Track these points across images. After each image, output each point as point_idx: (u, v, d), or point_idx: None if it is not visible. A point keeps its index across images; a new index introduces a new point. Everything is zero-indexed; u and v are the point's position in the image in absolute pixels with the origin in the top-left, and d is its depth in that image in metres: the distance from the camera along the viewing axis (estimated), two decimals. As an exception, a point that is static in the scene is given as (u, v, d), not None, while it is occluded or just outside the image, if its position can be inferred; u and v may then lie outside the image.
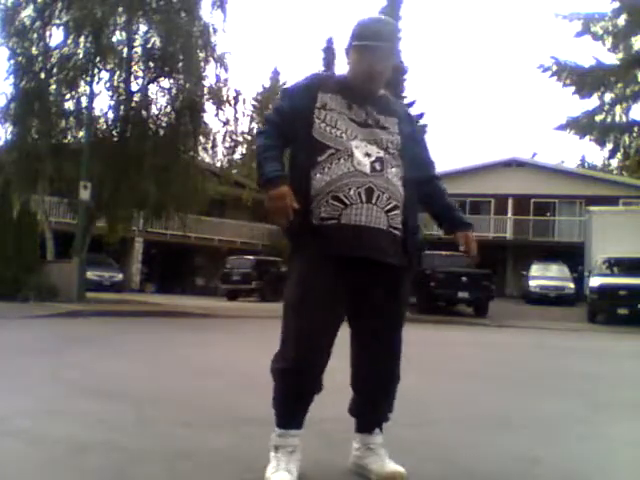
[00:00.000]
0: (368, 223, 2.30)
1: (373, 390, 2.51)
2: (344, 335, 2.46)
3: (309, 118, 2.37)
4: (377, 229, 2.32)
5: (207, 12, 16.96)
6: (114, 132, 16.44)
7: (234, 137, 16.63)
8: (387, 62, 2.43)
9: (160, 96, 16.49)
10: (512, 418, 4.03)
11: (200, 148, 16.94)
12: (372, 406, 2.54)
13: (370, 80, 2.43)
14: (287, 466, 2.34)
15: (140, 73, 16.34)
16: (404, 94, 30.31)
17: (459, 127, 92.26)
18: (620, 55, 27.17)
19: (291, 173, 2.41)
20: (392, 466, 2.48)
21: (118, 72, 15.93)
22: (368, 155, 2.35)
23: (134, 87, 16.41)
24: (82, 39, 15.38)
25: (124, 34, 16.06)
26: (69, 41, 15.53)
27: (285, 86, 2.76)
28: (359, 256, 2.31)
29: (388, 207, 2.34)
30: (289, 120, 2.41)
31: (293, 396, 2.39)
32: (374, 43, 2.37)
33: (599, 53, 52.81)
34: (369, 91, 2.46)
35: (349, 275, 2.32)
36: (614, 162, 40.32)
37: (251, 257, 24.83)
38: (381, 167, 2.36)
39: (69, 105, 16.23)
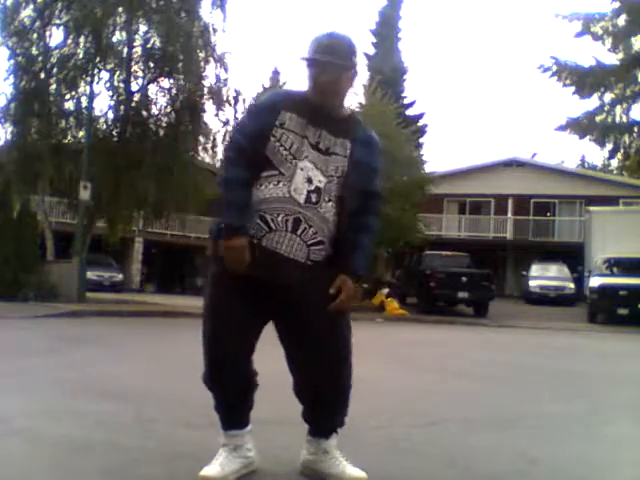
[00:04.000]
0: (286, 253, 2.32)
1: (314, 397, 2.49)
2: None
3: (267, 135, 2.35)
4: (292, 260, 2.33)
5: (207, 12, 16.92)
6: (114, 132, 16.43)
7: (234, 137, 16.76)
8: (331, 76, 2.34)
9: (160, 96, 16.50)
10: (512, 418, 4.03)
11: (200, 148, 16.92)
12: (320, 412, 2.50)
13: (319, 95, 2.37)
14: (222, 461, 2.44)
15: (140, 73, 16.33)
16: (404, 94, 30.31)
17: (459, 127, 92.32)
18: (620, 55, 27.17)
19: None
20: (353, 470, 2.45)
21: (118, 72, 15.91)
22: (309, 181, 2.34)
23: (134, 87, 16.41)
24: (82, 39, 15.37)
25: (124, 34, 16.04)
26: (69, 41, 15.53)
27: (251, 103, 2.72)
28: (265, 280, 2.33)
29: (312, 241, 2.34)
30: (253, 138, 2.38)
31: (222, 399, 2.49)
32: (315, 56, 2.34)
33: (599, 53, 52.74)
34: (324, 109, 2.40)
35: (262, 291, 2.35)
36: (614, 162, 40.29)
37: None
38: (317, 199, 2.34)
39: (69, 105, 16.23)
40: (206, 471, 2.42)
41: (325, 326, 2.39)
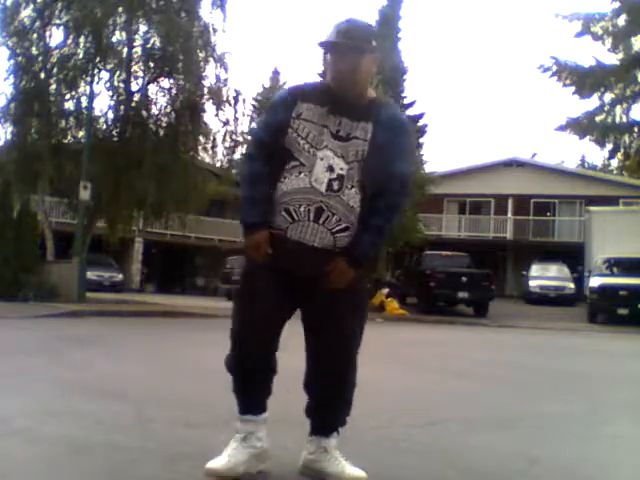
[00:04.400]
0: (310, 242, 2.34)
1: (320, 392, 2.49)
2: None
3: (286, 128, 2.38)
4: (318, 248, 2.35)
5: (207, 12, 16.93)
6: (114, 132, 16.43)
7: (234, 137, 16.69)
8: (350, 61, 2.34)
9: (160, 96, 16.50)
10: (512, 418, 4.03)
11: (200, 148, 16.92)
12: (327, 409, 2.50)
13: (339, 82, 2.37)
14: (231, 452, 2.44)
15: (140, 73, 16.33)
16: (404, 94, 30.31)
17: (459, 127, 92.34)
18: (620, 55, 27.18)
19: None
20: (353, 470, 2.44)
21: (118, 72, 15.91)
22: (330, 170, 2.34)
23: (134, 87, 16.42)
24: (82, 39, 15.37)
25: (124, 34, 16.04)
26: (69, 41, 15.53)
27: (272, 98, 2.72)
28: (294, 269, 2.36)
29: (337, 228, 2.35)
30: (274, 132, 2.42)
31: (241, 380, 2.46)
32: (335, 40, 2.35)
33: (599, 53, 52.80)
34: (345, 95, 2.40)
35: (292, 281, 2.38)
36: (614, 162, 40.31)
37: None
38: (339, 187, 2.35)
39: (69, 105, 16.23)
40: (213, 463, 2.42)
41: (341, 320, 2.41)
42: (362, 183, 2.37)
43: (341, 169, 2.36)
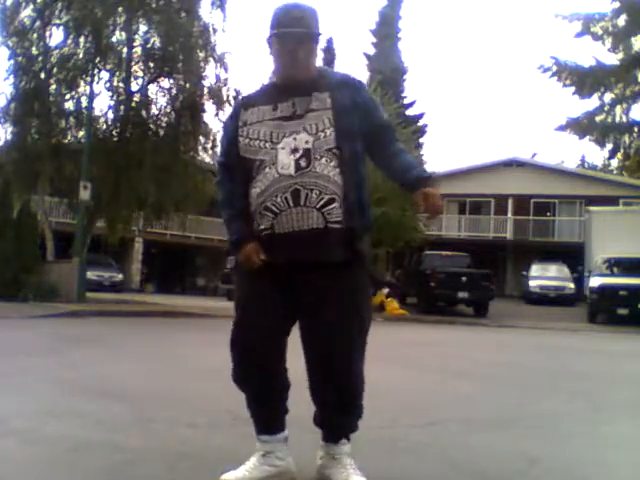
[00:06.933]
0: (300, 227, 2.29)
1: (322, 399, 2.43)
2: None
3: (237, 140, 2.41)
4: (309, 230, 2.29)
5: (207, 12, 16.95)
6: (114, 132, 16.42)
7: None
8: (308, 47, 2.37)
9: (160, 96, 16.50)
10: (512, 418, 4.03)
11: (200, 148, 16.93)
12: (331, 416, 2.43)
13: (294, 69, 2.37)
14: (249, 467, 2.40)
15: (140, 73, 16.33)
16: (404, 94, 30.31)
17: (459, 127, 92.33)
18: (620, 55, 27.21)
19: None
20: (358, 478, 2.39)
21: (118, 72, 15.91)
22: (295, 151, 2.31)
23: (134, 87, 16.42)
24: (82, 39, 15.38)
25: (124, 34, 16.04)
26: (69, 41, 15.53)
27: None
28: (291, 260, 2.33)
29: (321, 203, 2.29)
30: (229, 151, 2.46)
31: (251, 398, 2.42)
32: (291, 30, 2.32)
33: (599, 53, 52.81)
34: (294, 79, 2.39)
35: (289, 285, 2.34)
36: (614, 162, 40.31)
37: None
38: (307, 162, 2.29)
39: (69, 105, 16.22)
40: (228, 475, 2.37)
41: (339, 320, 2.34)
42: (336, 149, 2.32)
43: (306, 142, 2.31)
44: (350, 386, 2.40)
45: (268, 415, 2.44)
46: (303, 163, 2.29)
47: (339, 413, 2.42)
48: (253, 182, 2.36)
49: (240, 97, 2.65)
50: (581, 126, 28.43)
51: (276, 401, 2.44)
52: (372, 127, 2.43)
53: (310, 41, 2.38)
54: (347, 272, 2.35)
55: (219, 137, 16.87)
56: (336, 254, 2.32)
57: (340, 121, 2.34)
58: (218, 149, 16.95)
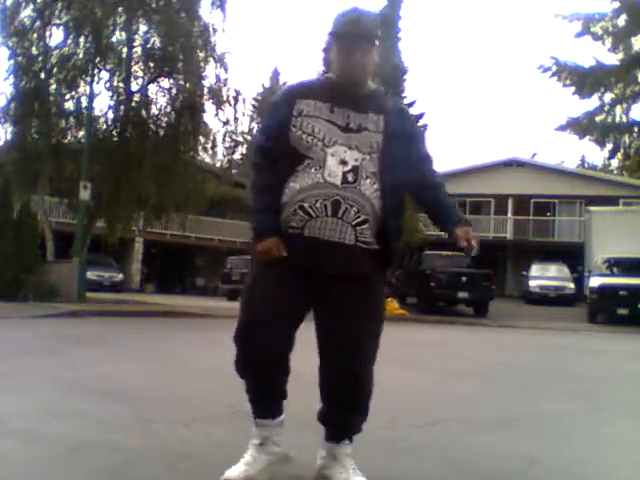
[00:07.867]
0: (331, 237, 2.30)
1: (332, 397, 2.43)
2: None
3: (288, 128, 2.36)
4: (339, 243, 2.30)
5: (207, 12, 16.92)
6: (114, 132, 16.42)
7: (234, 137, 16.70)
8: (367, 56, 2.36)
9: (160, 96, 16.49)
10: (512, 418, 4.03)
11: (200, 148, 16.92)
12: (337, 414, 2.43)
13: (351, 76, 2.38)
14: (248, 460, 2.38)
15: (140, 73, 16.33)
16: (404, 94, 30.30)
17: (459, 127, 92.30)
18: (620, 55, 27.20)
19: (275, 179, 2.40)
20: (358, 479, 2.40)
21: (118, 72, 15.90)
22: (344, 163, 2.31)
23: (134, 87, 16.41)
24: (82, 39, 15.37)
25: (124, 34, 16.03)
26: (69, 41, 15.52)
27: (271, 101, 2.70)
28: (314, 266, 2.32)
29: (356, 221, 2.31)
30: (276, 137, 2.39)
31: (252, 382, 2.40)
32: (353, 38, 2.32)
33: (599, 53, 52.83)
34: (352, 89, 2.40)
35: (307, 280, 2.33)
36: (614, 162, 40.32)
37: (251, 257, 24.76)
38: (354, 178, 2.31)
39: (69, 105, 16.22)
40: (230, 472, 2.35)
41: (357, 322, 2.35)
42: (378, 174, 2.36)
43: (355, 160, 2.33)
44: (360, 387, 2.41)
45: (268, 399, 2.45)
46: (350, 178, 2.31)
47: (346, 412, 2.42)
48: (294, 176, 2.34)
49: (291, 84, 2.56)
50: (581, 126, 28.42)
51: (278, 388, 2.44)
52: (415, 156, 2.48)
53: (366, 43, 2.36)
54: (372, 285, 2.42)
55: (219, 137, 16.88)
56: (360, 269, 2.36)
57: (388, 147, 2.37)
58: (218, 149, 16.97)
